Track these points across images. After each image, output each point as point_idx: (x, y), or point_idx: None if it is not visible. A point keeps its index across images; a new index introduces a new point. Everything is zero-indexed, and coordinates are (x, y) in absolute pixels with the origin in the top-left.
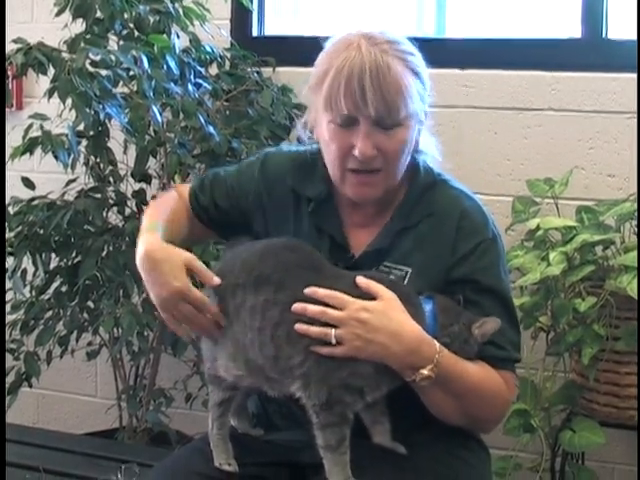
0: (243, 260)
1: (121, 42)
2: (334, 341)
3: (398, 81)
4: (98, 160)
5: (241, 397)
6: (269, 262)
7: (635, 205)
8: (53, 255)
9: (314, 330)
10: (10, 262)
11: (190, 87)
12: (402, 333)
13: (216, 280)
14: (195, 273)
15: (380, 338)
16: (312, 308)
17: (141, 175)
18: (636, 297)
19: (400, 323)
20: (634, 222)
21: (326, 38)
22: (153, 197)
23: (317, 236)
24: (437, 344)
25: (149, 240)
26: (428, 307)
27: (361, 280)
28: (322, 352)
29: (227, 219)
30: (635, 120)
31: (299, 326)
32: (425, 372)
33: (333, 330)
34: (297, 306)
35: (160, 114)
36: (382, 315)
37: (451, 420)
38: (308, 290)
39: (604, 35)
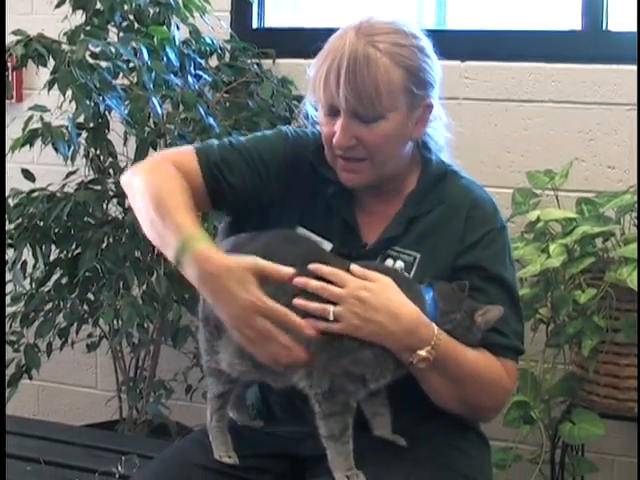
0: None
1: (121, 34)
2: (332, 317)
3: (375, 75)
4: (98, 152)
5: (240, 389)
6: (274, 257)
7: (635, 197)
8: (53, 247)
9: (313, 306)
10: (10, 254)
11: (190, 79)
12: (400, 314)
13: (290, 270)
14: (266, 274)
15: (378, 317)
16: (313, 283)
17: None
18: (636, 289)
19: (399, 304)
20: (634, 214)
21: (326, 29)
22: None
23: (331, 218)
24: (435, 327)
25: (203, 254)
26: (429, 295)
27: (355, 268)
28: (319, 327)
29: (253, 196)
30: (635, 112)
31: (298, 300)
32: (422, 353)
33: (332, 307)
34: (299, 280)
35: (160, 106)
36: (381, 295)
37: (450, 407)
38: (312, 266)
39: (604, 27)
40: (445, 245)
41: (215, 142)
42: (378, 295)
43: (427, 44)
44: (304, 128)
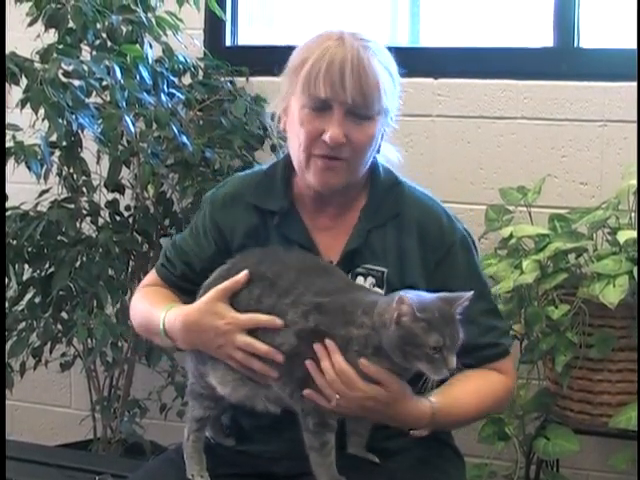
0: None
1: (94, 52)
2: (333, 404)
3: (376, 75)
4: (71, 170)
5: (219, 411)
6: (275, 266)
7: (607, 213)
8: (26, 266)
9: (321, 381)
10: None
11: (163, 97)
12: (397, 418)
13: (243, 274)
14: (229, 291)
15: (376, 417)
16: (321, 380)
17: (114, 185)
18: (609, 305)
19: (403, 417)
20: (606, 230)
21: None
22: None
23: (285, 246)
24: (428, 411)
25: (175, 316)
26: None
27: (369, 368)
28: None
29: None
30: (606, 128)
31: (308, 392)
32: (416, 433)
33: (337, 397)
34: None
35: (133, 124)
36: (386, 407)
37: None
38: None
39: (576, 44)
40: (408, 262)
41: (166, 253)
42: (384, 409)
43: None
44: (220, 185)
